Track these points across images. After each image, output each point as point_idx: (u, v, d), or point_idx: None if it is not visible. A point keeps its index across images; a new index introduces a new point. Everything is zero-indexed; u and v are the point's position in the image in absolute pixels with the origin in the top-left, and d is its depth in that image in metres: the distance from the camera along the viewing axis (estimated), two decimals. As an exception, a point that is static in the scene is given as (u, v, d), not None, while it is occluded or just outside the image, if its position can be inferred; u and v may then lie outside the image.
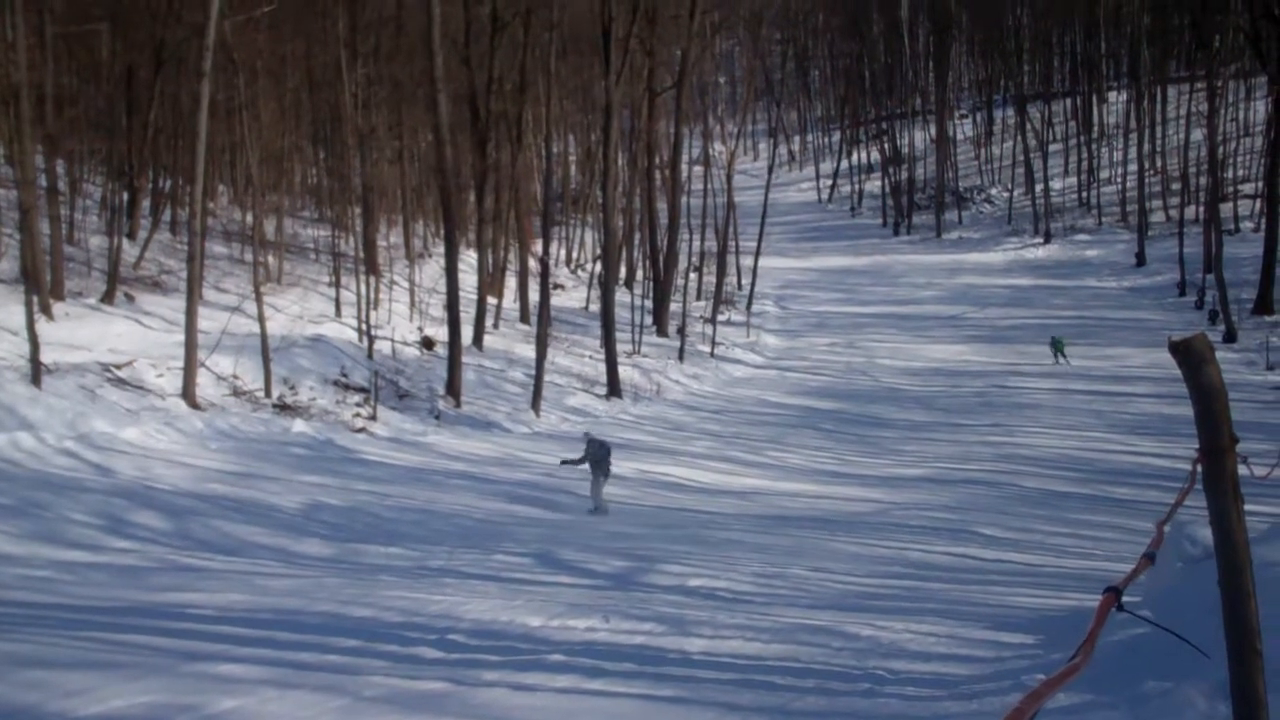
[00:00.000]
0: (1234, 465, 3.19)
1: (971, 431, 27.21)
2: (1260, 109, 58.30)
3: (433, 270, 35.65)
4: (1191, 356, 3.16)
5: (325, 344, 26.91)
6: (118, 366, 21.43)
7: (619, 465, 18.86)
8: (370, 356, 27.21)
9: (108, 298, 25.49)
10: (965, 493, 20.50)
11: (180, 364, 21.47)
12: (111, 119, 30.80)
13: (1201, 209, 49.63)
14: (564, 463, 18.76)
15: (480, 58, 32.60)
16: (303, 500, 16.58)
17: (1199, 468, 3.36)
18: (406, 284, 33.71)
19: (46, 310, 22.90)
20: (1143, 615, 3.38)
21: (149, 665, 7.87)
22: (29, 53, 23.89)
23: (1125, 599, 10.46)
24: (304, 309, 29.37)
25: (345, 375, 25.74)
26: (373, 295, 30.08)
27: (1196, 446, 3.70)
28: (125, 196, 30.32)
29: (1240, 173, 57.53)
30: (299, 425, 21.76)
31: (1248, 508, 12.42)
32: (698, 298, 44.06)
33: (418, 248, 38.48)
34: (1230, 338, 37.19)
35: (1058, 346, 38.06)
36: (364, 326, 28.12)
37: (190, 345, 21.35)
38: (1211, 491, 3.25)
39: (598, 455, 17.90)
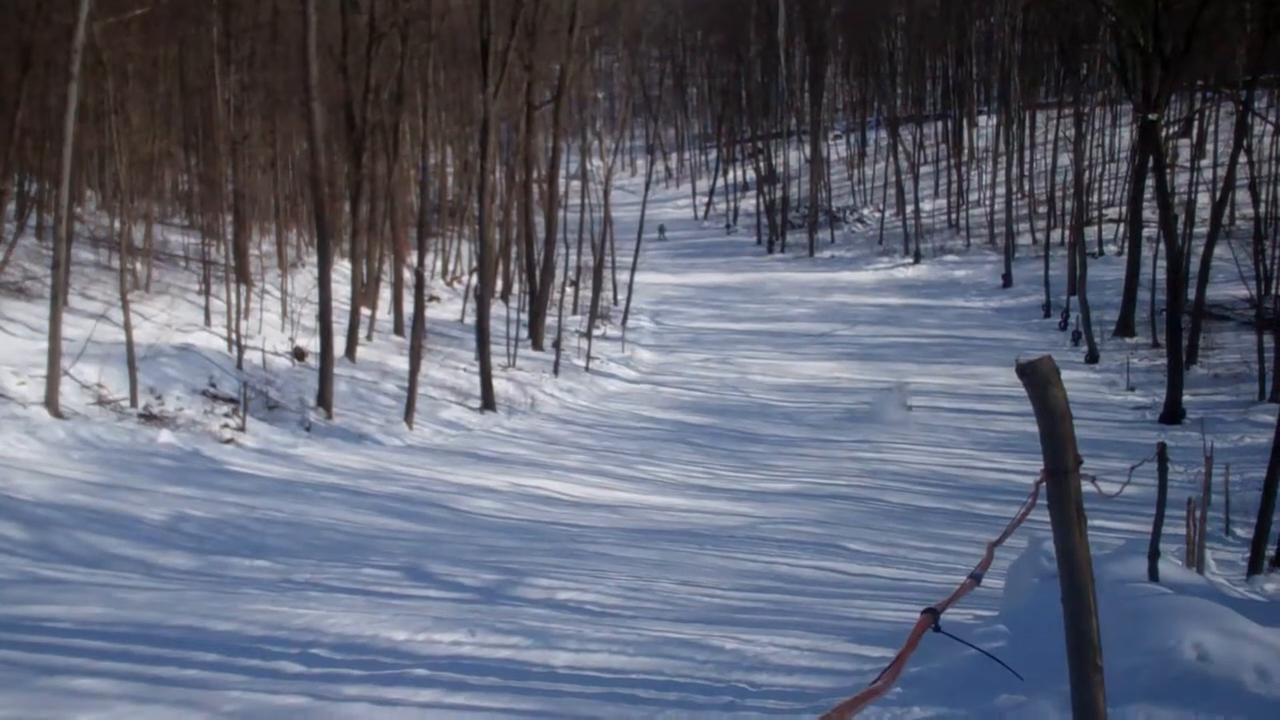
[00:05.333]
0: (1078, 485, 3.31)
1: (840, 447, 27.61)
2: (1125, 135, 60.11)
3: (305, 280, 35.18)
4: (1038, 379, 3.27)
5: (194, 353, 26.40)
6: (-25, 374, 20.82)
7: (493, 479, 19.00)
8: (240, 366, 26.76)
9: (-34, 303, 24.76)
10: (833, 507, 20.81)
11: (43, 372, 20.91)
12: (-26, 121, 29.91)
13: (1067, 232, 51.05)
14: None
15: (357, 67, 32.29)
16: (167, 512, 16.25)
17: (1042, 487, 3.48)
18: (278, 293, 33.22)
19: (-100, 315, 22.19)
20: (957, 637, 3.46)
21: (2, 680, 7.68)
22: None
23: (981, 613, 10.73)
24: (172, 317, 28.76)
25: (214, 385, 25.28)
26: (243, 304, 29.59)
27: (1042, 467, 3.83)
28: (-12, 200, 29.45)
29: (1105, 197, 59.22)
30: (165, 435, 21.32)
31: (1105, 524, 12.86)
32: (574, 312, 44.07)
33: (290, 257, 37.96)
34: (1093, 358, 38.22)
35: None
36: (234, 336, 27.65)
37: (54, 353, 20.80)
38: (1055, 511, 3.36)
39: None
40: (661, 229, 62.68)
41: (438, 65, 42.58)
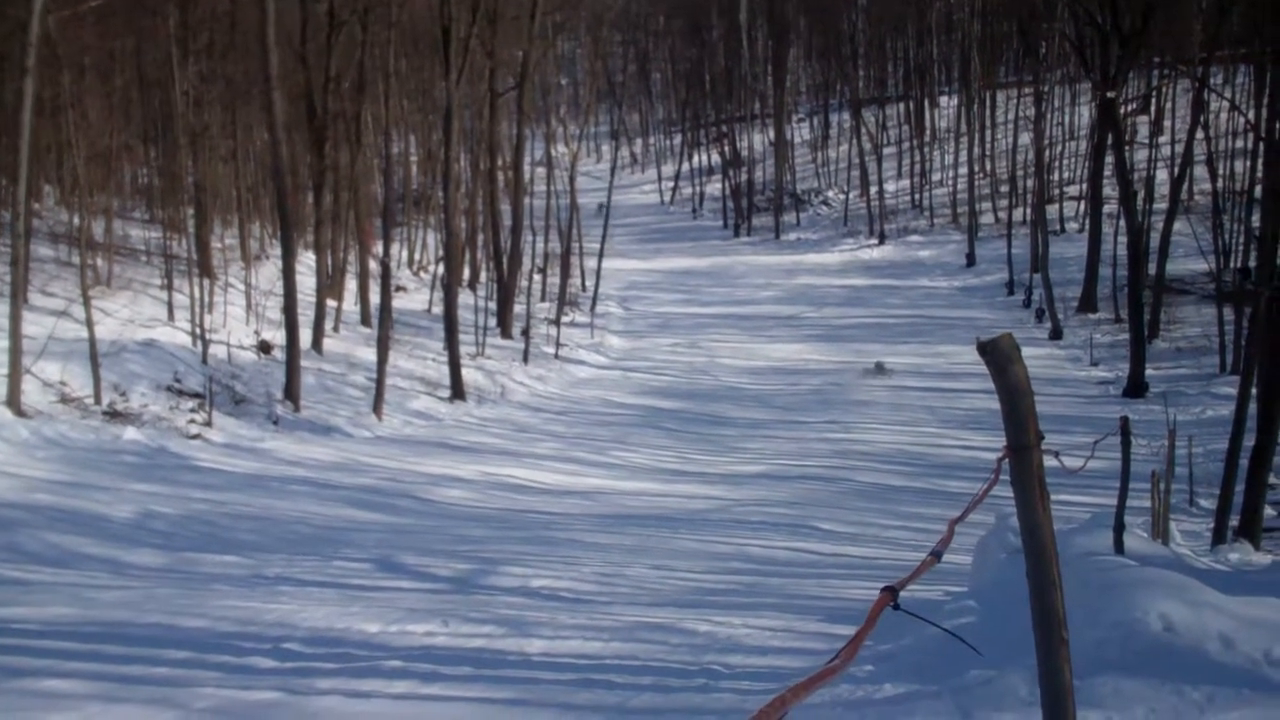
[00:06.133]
0: (1040, 461, 3.32)
1: (809, 428, 27.70)
2: (1084, 113, 60.40)
3: (269, 272, 34.98)
4: (998, 357, 3.27)
5: (158, 349, 26.22)
6: (-64, 374, 20.62)
7: (464, 469, 19.07)
8: (205, 361, 26.60)
9: (-75, 302, 24.50)
10: (803, 488, 20.88)
11: (4, 371, 20.71)
12: (-70, 117, 29.58)
13: (1029, 210, 51.23)
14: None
15: (317, 55, 32.08)
16: (134, 509, 16.15)
17: (1004, 464, 3.50)
18: (242, 286, 33.00)
19: None
20: (917, 614, 3.47)
21: (-31, 683, 7.63)
22: None
23: (951, 588, 10.79)
24: (135, 313, 28.56)
25: (179, 380, 25.12)
26: (207, 298, 29.39)
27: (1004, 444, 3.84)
28: (-56, 197, 29.15)
29: (1066, 175, 59.56)
30: (130, 432, 21.17)
31: (1071, 498, 12.92)
32: (542, 299, 44.01)
33: (254, 249, 37.73)
34: (1056, 335, 38.50)
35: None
36: (198, 330, 27.47)
37: (15, 351, 20.62)
38: (1018, 487, 3.37)
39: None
40: (600, 205, 61.54)
41: (399, 53, 42.34)
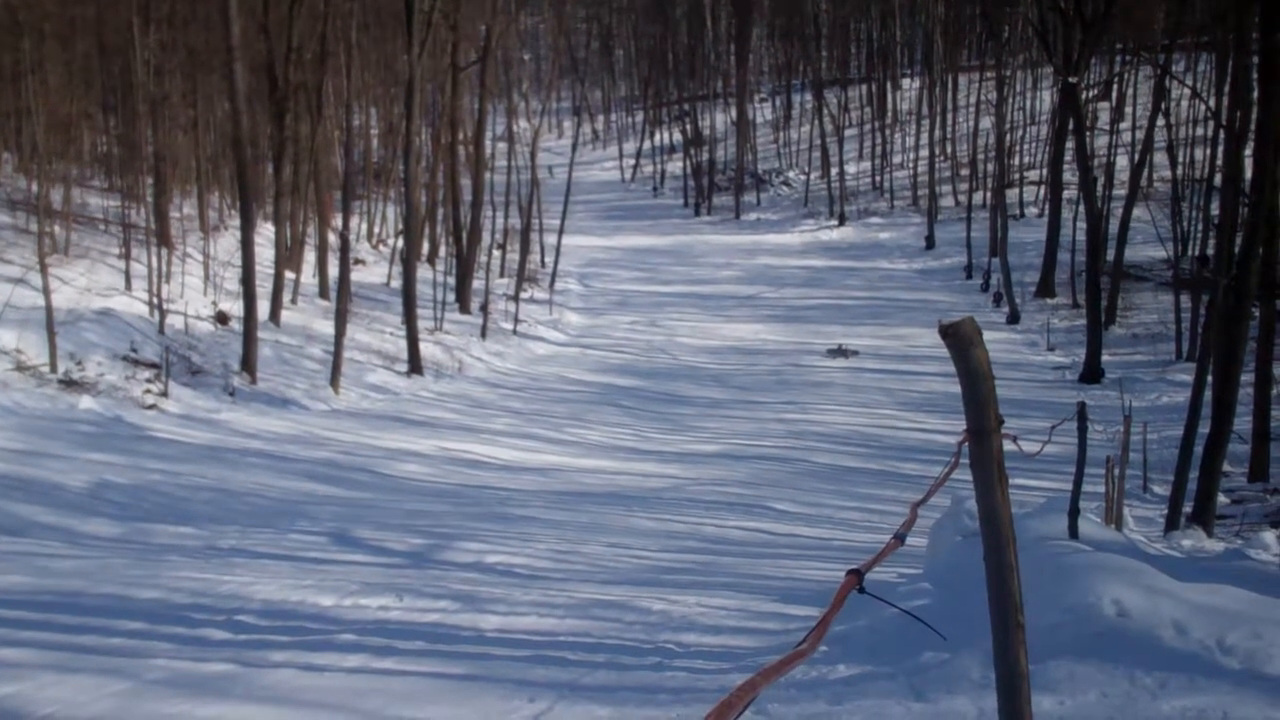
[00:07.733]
0: (999, 445, 3.35)
1: (766, 408, 27.77)
2: (1046, 98, 60.68)
3: (228, 243, 34.70)
4: (960, 340, 3.29)
5: (114, 318, 26.01)
6: (-113, 340, 20.39)
7: (421, 443, 19.23)
8: (162, 331, 26.40)
9: (-123, 268, 24.21)
10: (759, 468, 20.94)
11: (-43, 338, 20.55)
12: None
13: (989, 194, 51.46)
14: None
15: (279, 26, 31.81)
16: (89, 479, 16.06)
17: (964, 447, 3.51)
18: (200, 257, 32.74)
19: None
20: (882, 598, 3.50)
21: (-80, 652, 7.57)
22: None
23: (906, 571, 10.87)
24: (92, 281, 28.29)
25: (135, 350, 24.93)
26: (165, 268, 29.18)
27: (965, 427, 3.87)
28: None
29: (1026, 160, 59.78)
30: (86, 402, 21.03)
31: (1027, 483, 13.07)
32: (501, 275, 43.87)
33: (213, 220, 37.42)
34: (1014, 319, 38.67)
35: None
36: (155, 300, 27.26)
37: (-32, 318, 20.45)
38: (977, 471, 3.40)
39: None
40: (550, 170, 61.24)
41: (361, 25, 41.98)
